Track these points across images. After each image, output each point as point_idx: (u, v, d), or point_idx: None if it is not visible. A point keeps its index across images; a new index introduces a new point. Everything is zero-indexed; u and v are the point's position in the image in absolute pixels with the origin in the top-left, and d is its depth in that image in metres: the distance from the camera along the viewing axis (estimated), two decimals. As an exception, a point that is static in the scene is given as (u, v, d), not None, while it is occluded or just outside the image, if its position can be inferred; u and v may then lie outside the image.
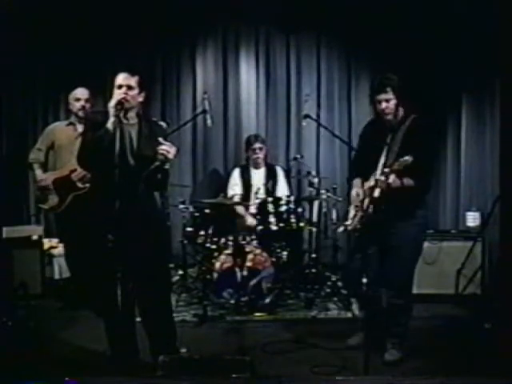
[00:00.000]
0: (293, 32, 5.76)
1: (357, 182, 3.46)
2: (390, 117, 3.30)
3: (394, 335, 3.39)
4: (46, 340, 3.70)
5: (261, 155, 5.16)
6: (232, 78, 5.81)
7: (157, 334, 3.20)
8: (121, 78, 3.10)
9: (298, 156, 5.38)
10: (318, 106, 5.72)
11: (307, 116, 5.01)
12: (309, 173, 5.16)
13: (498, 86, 4.90)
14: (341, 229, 3.48)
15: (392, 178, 3.09)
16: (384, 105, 3.27)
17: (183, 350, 3.15)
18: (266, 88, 5.82)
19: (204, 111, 4.75)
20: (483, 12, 4.76)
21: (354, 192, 3.42)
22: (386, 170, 3.11)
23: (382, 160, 3.29)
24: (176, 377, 2.91)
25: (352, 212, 3.40)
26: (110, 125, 2.95)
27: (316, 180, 5.02)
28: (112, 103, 3.00)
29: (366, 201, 3.27)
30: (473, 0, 4.92)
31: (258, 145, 5.12)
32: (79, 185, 4.16)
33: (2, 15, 4.50)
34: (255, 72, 5.81)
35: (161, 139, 2.99)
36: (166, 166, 2.99)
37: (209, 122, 4.71)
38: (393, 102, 3.27)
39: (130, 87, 3.07)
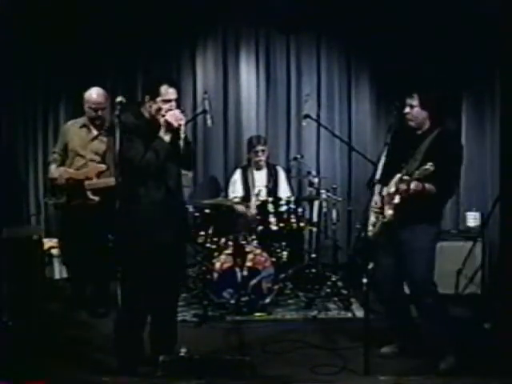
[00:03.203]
0: (293, 32, 5.75)
1: (377, 188, 3.44)
2: (412, 123, 3.29)
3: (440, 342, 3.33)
4: (46, 340, 3.69)
5: (263, 157, 5.15)
6: (232, 78, 5.80)
7: (159, 333, 3.20)
8: (172, 93, 3.03)
9: (298, 156, 5.39)
10: (318, 106, 5.72)
11: (307, 116, 5.01)
12: (309, 173, 5.16)
13: (498, 86, 4.91)
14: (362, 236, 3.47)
15: (413, 184, 3.08)
16: (407, 109, 3.27)
17: (183, 350, 3.14)
18: (266, 88, 5.82)
19: (204, 111, 4.75)
20: (483, 11, 4.76)
21: (374, 199, 3.42)
22: (406, 177, 3.10)
23: (405, 168, 3.25)
24: (176, 377, 2.92)
25: (373, 219, 3.40)
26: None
27: (316, 180, 5.02)
28: (182, 126, 2.97)
29: (387, 207, 3.27)
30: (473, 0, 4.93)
31: (260, 147, 5.09)
32: (89, 195, 4.10)
33: (2, 15, 4.51)
34: (255, 72, 5.81)
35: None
36: (182, 135, 2.95)
37: (209, 122, 4.71)
38: (416, 110, 3.25)
39: (177, 101, 3.04)
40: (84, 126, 4.27)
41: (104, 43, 5.52)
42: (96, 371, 3.17)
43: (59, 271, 4.91)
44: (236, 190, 5.18)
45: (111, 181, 3.98)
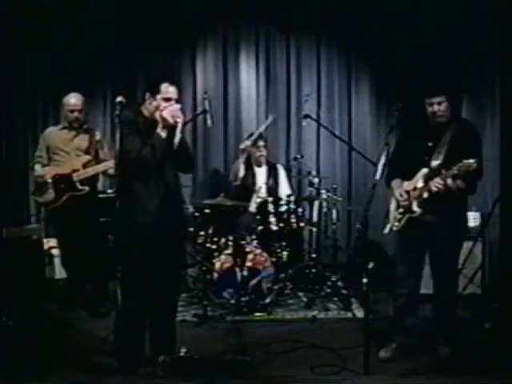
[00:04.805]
0: (293, 32, 5.75)
1: (397, 182, 3.42)
2: (442, 119, 3.29)
3: (444, 331, 3.46)
4: (46, 340, 3.69)
5: (264, 153, 5.16)
6: (232, 78, 5.80)
7: (158, 333, 3.20)
8: (172, 91, 3.03)
9: (298, 156, 5.40)
10: (318, 105, 5.73)
11: (307, 116, 5.02)
12: (309, 173, 5.17)
13: (498, 86, 4.90)
14: (386, 230, 3.43)
15: (449, 181, 3.10)
16: (436, 107, 3.27)
17: (183, 350, 3.14)
18: (266, 88, 5.82)
19: (204, 111, 4.74)
20: (483, 11, 4.76)
21: (397, 193, 3.38)
22: (444, 172, 3.11)
23: (434, 161, 3.25)
24: (176, 377, 2.92)
25: (397, 214, 3.38)
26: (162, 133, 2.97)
27: (316, 180, 5.02)
28: (179, 124, 2.95)
29: (415, 202, 3.27)
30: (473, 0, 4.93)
31: (261, 143, 5.11)
32: (78, 186, 4.19)
33: (1, 17, 4.51)
34: (255, 72, 5.81)
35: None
36: (178, 134, 2.95)
37: (209, 122, 4.71)
38: (445, 105, 3.26)
39: (177, 101, 3.03)
40: (63, 128, 4.39)
41: (104, 43, 5.52)
42: (96, 371, 3.17)
43: (59, 271, 4.91)
44: (240, 170, 5.09)
45: (99, 168, 4.21)
